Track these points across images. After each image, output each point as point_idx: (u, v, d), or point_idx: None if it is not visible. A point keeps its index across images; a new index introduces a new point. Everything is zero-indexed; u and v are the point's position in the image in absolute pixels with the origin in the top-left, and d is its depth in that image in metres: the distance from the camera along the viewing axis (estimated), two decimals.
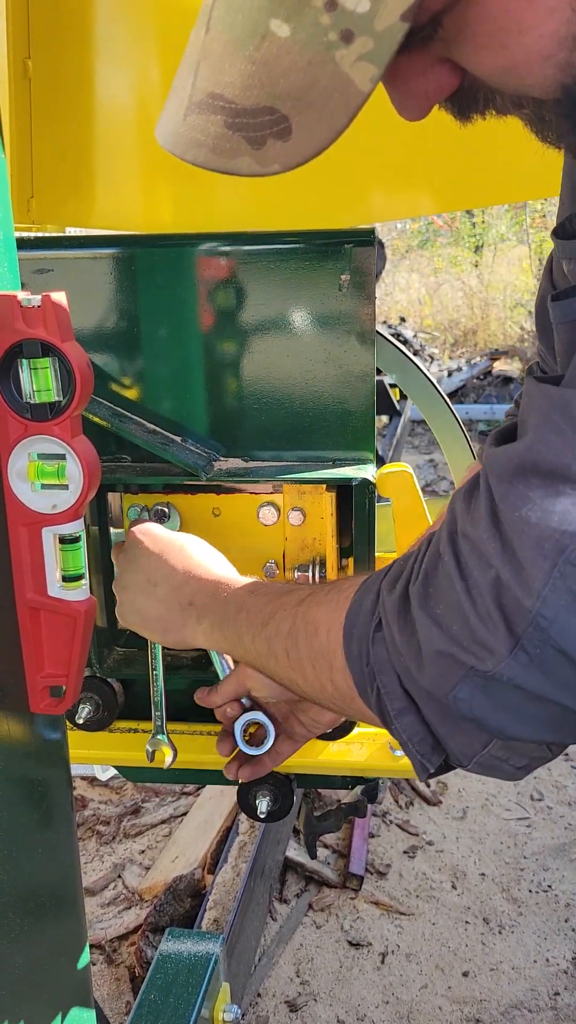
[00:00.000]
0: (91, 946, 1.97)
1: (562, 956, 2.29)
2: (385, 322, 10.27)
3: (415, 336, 10.00)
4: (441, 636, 0.66)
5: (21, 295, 0.68)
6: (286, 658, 0.86)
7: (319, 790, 2.30)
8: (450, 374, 8.62)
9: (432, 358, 9.45)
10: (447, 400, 1.27)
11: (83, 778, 2.89)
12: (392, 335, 8.84)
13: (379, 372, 1.17)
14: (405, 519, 1.18)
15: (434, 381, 1.25)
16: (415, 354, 9.36)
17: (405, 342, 9.56)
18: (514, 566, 0.62)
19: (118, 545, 1.10)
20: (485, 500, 0.65)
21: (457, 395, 8.13)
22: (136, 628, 1.05)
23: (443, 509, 0.76)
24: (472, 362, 8.96)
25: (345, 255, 1.07)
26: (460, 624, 0.65)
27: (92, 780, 2.90)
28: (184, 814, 2.74)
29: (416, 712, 0.72)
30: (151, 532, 1.05)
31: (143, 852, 2.65)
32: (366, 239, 1.08)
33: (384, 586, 0.76)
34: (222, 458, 1.16)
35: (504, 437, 0.73)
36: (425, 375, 1.24)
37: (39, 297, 0.68)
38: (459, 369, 8.79)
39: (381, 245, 7.18)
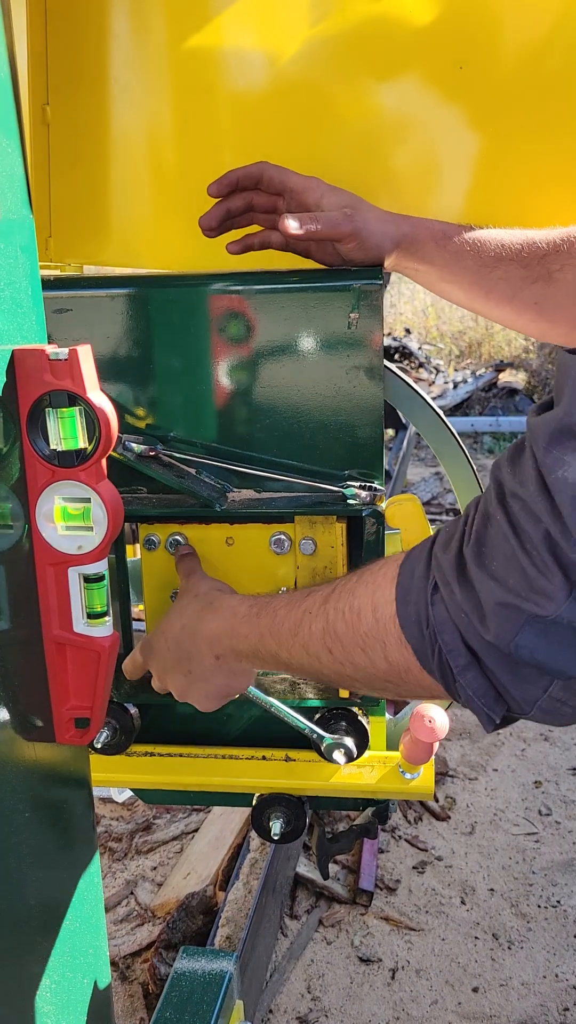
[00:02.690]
0: None
1: (571, 971, 2.31)
2: (390, 334, 10.30)
3: (420, 348, 10.03)
4: (500, 589, 0.73)
5: (49, 349, 0.72)
6: (329, 655, 0.89)
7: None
8: (455, 386, 8.64)
9: (437, 370, 9.48)
10: (449, 427, 1.30)
11: (98, 798, 2.91)
12: (397, 347, 8.74)
13: None
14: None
15: (432, 403, 1.28)
16: (420, 366, 9.38)
17: (410, 354, 9.60)
18: (560, 523, 0.69)
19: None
20: (531, 462, 0.72)
21: (462, 407, 8.14)
22: (212, 707, 1.10)
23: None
24: (477, 374, 8.99)
25: (354, 294, 1.11)
26: (517, 576, 0.71)
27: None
28: (195, 830, 2.76)
29: (479, 667, 0.77)
30: (143, 645, 1.14)
31: (155, 869, 2.67)
32: (374, 278, 1.11)
33: (437, 550, 0.81)
34: (235, 489, 1.19)
35: (543, 408, 0.79)
36: (422, 396, 1.28)
37: (66, 351, 0.72)
38: (464, 381, 8.82)
39: None
